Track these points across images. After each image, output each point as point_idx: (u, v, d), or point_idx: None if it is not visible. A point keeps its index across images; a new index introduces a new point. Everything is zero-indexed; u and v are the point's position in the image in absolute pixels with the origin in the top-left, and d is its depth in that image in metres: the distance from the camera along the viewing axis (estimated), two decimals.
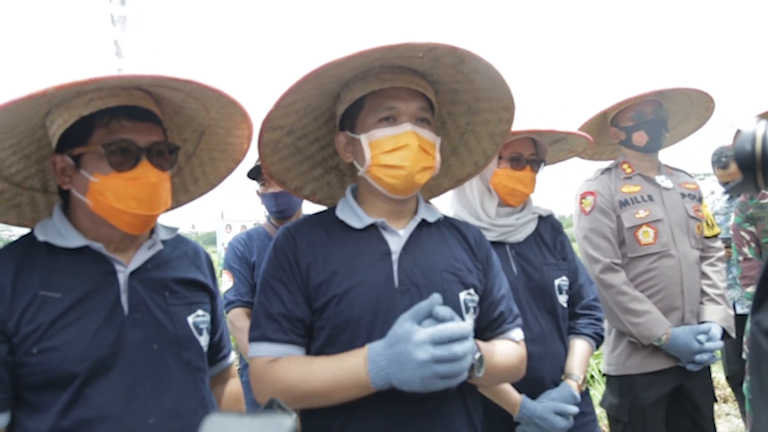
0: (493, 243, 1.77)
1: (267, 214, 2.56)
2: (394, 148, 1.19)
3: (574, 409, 1.61)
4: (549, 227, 1.83)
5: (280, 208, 2.42)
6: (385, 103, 1.20)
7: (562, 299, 1.75)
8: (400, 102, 1.20)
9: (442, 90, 1.29)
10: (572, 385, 1.66)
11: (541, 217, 1.83)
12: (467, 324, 1.07)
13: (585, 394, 1.77)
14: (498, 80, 1.21)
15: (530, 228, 1.78)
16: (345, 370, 1.09)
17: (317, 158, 1.40)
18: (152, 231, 1.20)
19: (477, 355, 1.12)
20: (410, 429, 1.13)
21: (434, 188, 1.50)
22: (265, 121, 1.26)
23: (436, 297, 1.08)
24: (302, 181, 1.42)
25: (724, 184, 3.76)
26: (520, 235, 1.76)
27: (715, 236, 2.32)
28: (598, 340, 1.80)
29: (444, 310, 1.07)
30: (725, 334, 2.15)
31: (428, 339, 1.02)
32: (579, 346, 1.75)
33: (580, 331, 1.78)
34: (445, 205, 1.95)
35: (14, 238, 1.15)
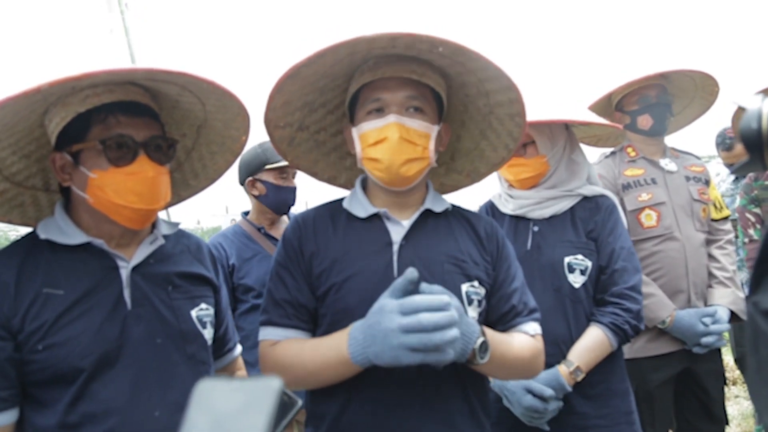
0: (517, 218, 1.76)
1: (254, 210, 2.42)
2: (376, 141, 1.18)
3: (549, 392, 1.52)
4: (592, 206, 1.72)
5: (294, 202, 2.40)
6: (373, 95, 1.20)
7: (574, 278, 1.65)
8: (387, 93, 1.19)
9: (451, 74, 1.26)
10: (562, 371, 1.56)
11: (586, 197, 1.74)
12: (444, 297, 1.04)
13: (606, 397, 1.64)
14: (481, 60, 1.16)
15: (561, 206, 1.72)
16: (330, 349, 1.11)
17: (345, 149, 1.39)
18: (153, 226, 1.20)
19: (480, 340, 1.09)
20: (404, 416, 1.13)
21: (472, 173, 1.45)
22: (267, 122, 1.26)
23: (411, 271, 1.06)
24: (334, 171, 1.44)
25: (729, 165, 3.71)
26: (545, 211, 1.72)
27: (725, 219, 2.29)
28: (617, 331, 1.60)
29: (418, 287, 1.05)
30: (734, 317, 2.13)
31: (397, 308, 1.02)
32: (588, 334, 1.62)
33: (597, 318, 1.63)
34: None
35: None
